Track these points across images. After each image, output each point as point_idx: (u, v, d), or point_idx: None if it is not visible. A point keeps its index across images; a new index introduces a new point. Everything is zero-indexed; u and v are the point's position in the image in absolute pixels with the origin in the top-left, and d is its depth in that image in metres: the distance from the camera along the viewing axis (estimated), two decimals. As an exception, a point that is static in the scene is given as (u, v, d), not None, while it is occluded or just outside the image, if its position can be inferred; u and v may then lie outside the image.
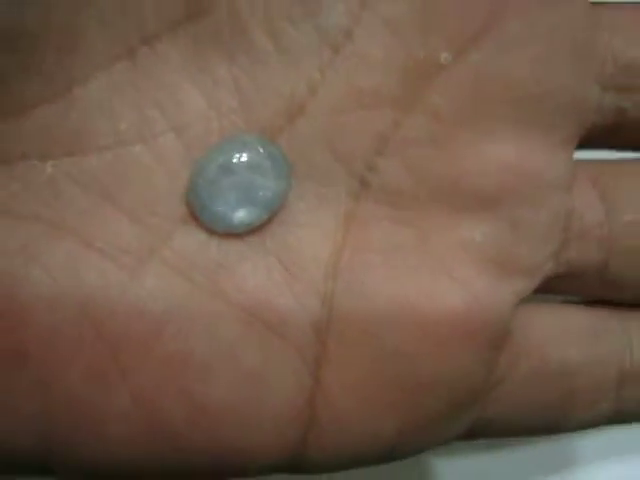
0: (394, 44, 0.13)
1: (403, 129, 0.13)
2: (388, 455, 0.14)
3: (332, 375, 0.13)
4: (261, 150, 0.12)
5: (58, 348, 0.12)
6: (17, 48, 0.12)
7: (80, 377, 0.12)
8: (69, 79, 0.12)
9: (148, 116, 0.12)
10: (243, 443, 0.13)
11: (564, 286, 0.15)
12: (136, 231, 0.12)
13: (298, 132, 0.13)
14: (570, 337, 0.15)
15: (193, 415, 0.12)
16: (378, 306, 0.13)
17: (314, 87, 0.13)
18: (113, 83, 0.12)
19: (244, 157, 0.12)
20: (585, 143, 0.14)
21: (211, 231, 0.13)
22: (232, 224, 0.12)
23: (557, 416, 0.15)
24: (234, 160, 0.12)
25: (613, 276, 0.14)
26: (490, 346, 0.14)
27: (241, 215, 0.12)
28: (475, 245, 0.13)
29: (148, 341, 0.12)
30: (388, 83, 0.13)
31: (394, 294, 0.13)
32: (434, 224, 0.13)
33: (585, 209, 0.14)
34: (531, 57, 0.13)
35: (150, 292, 0.12)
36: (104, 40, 0.12)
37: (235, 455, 0.13)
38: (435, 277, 0.13)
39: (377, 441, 0.13)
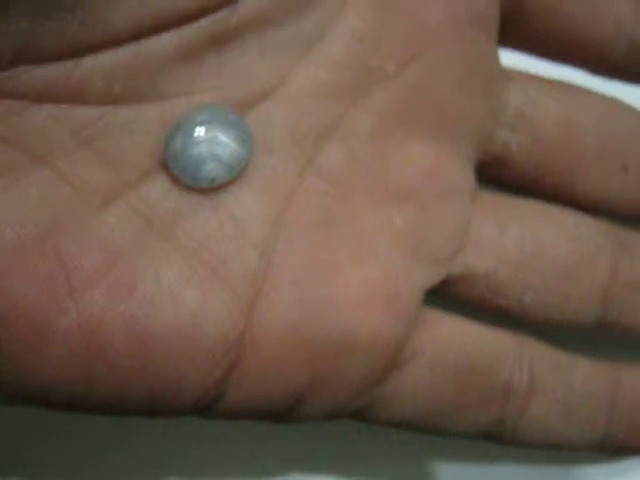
0: (356, 50, 0.15)
1: (348, 120, 0.15)
2: (292, 409, 0.15)
3: (262, 320, 0.15)
4: (231, 120, 0.14)
5: (21, 261, 0.13)
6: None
7: (35, 292, 0.13)
8: (83, 46, 0.13)
9: (139, 86, 0.14)
10: (173, 376, 0.14)
11: (454, 290, 0.17)
12: (108, 175, 0.14)
13: (265, 112, 0.15)
14: (465, 347, 0.17)
15: (133, 344, 0.14)
16: (309, 265, 0.15)
17: (285, 76, 0.15)
18: (117, 57, 0.14)
19: (216, 123, 0.14)
20: (483, 176, 0.17)
21: (175, 182, 0.14)
22: (199, 176, 0.14)
23: (444, 416, 0.17)
24: (209, 123, 0.14)
25: (497, 285, 0.17)
26: (403, 317, 0.16)
27: (209, 168, 0.14)
28: (396, 228, 0.16)
29: (101, 269, 0.13)
30: (345, 80, 0.15)
31: (324, 257, 0.15)
32: (364, 205, 0.16)
33: (483, 222, 0.17)
34: (452, 81, 0.16)
35: (110, 228, 0.14)
36: (121, 21, 0.13)
37: (163, 388, 0.14)
38: (359, 249, 0.15)
39: (287, 390, 0.15)
